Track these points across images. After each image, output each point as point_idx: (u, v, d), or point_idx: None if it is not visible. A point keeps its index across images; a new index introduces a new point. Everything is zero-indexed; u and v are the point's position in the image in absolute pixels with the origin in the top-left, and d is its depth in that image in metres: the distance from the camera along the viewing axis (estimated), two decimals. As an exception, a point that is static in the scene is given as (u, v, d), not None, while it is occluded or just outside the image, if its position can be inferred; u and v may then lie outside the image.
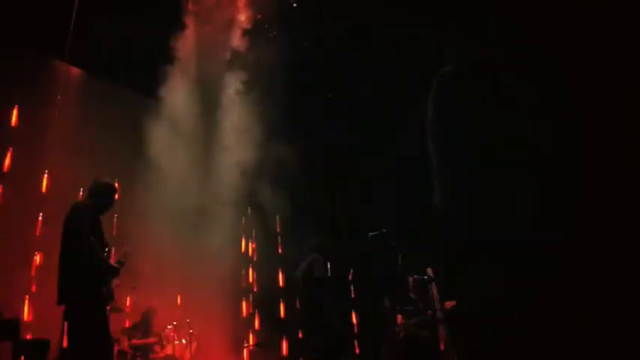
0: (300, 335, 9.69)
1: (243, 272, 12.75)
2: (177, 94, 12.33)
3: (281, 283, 12.23)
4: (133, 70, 11.84)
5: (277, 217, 13.11)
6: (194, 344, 10.69)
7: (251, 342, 12.12)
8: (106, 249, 7.00)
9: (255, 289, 12.74)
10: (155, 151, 11.72)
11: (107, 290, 6.90)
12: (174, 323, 10.78)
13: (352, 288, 10.88)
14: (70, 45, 10.16)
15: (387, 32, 10.72)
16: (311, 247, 9.55)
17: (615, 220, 2.99)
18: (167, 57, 12.11)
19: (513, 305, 2.98)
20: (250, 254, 12.92)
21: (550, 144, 3.19)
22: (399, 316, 10.01)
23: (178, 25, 12.16)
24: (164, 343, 10.70)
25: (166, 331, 10.77)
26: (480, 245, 3.07)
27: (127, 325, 10.57)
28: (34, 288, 9.66)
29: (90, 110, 11.58)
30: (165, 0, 11.67)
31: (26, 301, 9.56)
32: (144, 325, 10.67)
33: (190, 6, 12.32)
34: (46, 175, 9.93)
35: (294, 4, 11.56)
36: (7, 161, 9.36)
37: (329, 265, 10.92)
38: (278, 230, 13.14)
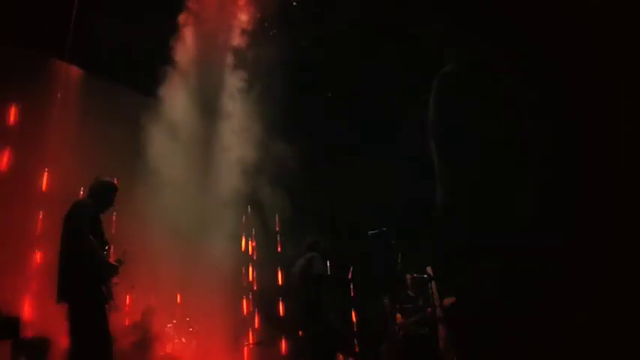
0: (300, 334, 9.70)
1: (243, 271, 12.77)
2: (177, 94, 12.34)
3: (280, 282, 12.24)
4: (132, 70, 11.85)
5: (277, 216, 13.13)
6: (194, 343, 10.70)
7: (251, 340, 12.13)
8: (106, 247, 7.01)
9: (255, 288, 12.75)
10: (155, 149, 11.72)
11: (106, 289, 6.91)
12: (174, 322, 10.79)
13: (352, 286, 10.88)
14: (70, 44, 10.18)
15: (387, 32, 10.73)
16: (307, 246, 9.56)
17: (615, 220, 2.99)
18: (167, 56, 12.13)
19: (513, 305, 2.98)
20: (250, 253, 12.93)
21: (550, 144, 3.19)
22: (398, 315, 10.02)
23: (178, 25, 12.17)
24: (164, 341, 10.70)
25: (166, 329, 10.77)
26: (479, 245, 3.07)
27: (126, 323, 10.57)
28: (34, 286, 9.68)
29: (90, 109, 11.58)
30: (165, -1, 11.70)
31: (26, 300, 9.58)
32: (143, 324, 10.67)
33: (190, 5, 12.32)
34: (46, 174, 9.95)
35: (294, 3, 11.57)
36: (5, 160, 9.37)
37: (328, 263, 10.95)
38: (277, 229, 13.16)
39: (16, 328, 8.10)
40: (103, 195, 7.25)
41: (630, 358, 2.84)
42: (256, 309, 12.64)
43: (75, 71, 12.07)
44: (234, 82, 12.91)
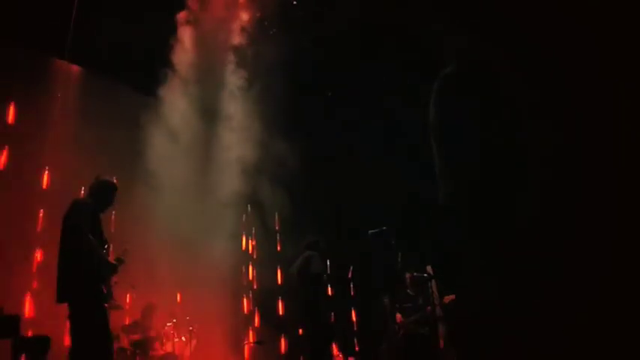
0: (300, 332, 9.70)
1: (243, 270, 12.77)
2: (177, 93, 12.33)
3: (279, 281, 12.25)
4: (132, 69, 11.85)
5: (276, 215, 13.13)
6: (194, 341, 10.69)
7: (251, 339, 12.14)
8: (105, 246, 7.02)
9: (254, 287, 12.76)
10: (155, 149, 11.72)
11: (106, 288, 6.92)
12: (174, 320, 10.78)
13: (352, 286, 10.89)
14: (70, 43, 10.18)
15: (387, 32, 10.72)
16: (306, 245, 9.57)
17: (615, 220, 3.00)
18: (167, 56, 12.12)
19: (513, 305, 2.98)
20: (250, 252, 12.94)
21: (550, 144, 3.19)
22: (398, 315, 10.02)
23: (178, 23, 12.17)
24: (164, 340, 10.70)
25: (166, 328, 10.76)
26: (480, 245, 3.07)
27: (126, 322, 10.57)
28: (34, 284, 9.68)
29: (90, 108, 11.57)
30: (166, -2, 11.71)
31: (27, 298, 9.59)
32: (143, 323, 10.67)
33: (190, 4, 12.32)
34: (46, 172, 9.95)
35: (294, 2, 11.56)
36: (4, 159, 9.37)
37: (327, 263, 10.96)
38: (277, 228, 13.17)
39: (16, 327, 8.09)
40: (103, 194, 7.26)
41: (630, 358, 2.85)
42: (256, 308, 12.64)
43: (75, 70, 12.06)
44: (234, 81, 12.90)
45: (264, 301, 12.53)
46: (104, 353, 6.67)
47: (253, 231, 13.08)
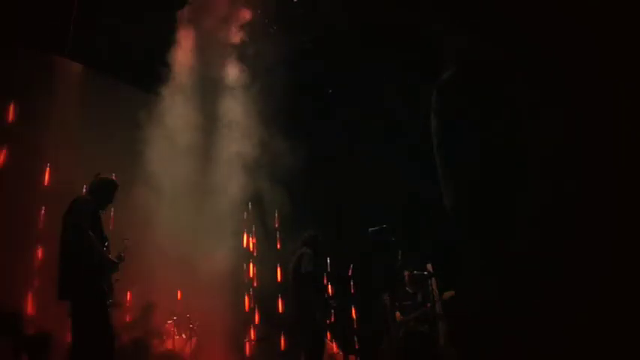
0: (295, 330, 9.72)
1: (244, 267, 12.78)
2: (178, 91, 12.33)
3: (279, 279, 12.25)
4: (133, 66, 11.87)
5: (276, 213, 13.13)
6: (194, 339, 10.71)
7: (252, 337, 12.15)
8: (105, 244, 7.03)
9: (254, 284, 12.76)
10: (155, 146, 11.73)
11: (107, 285, 6.93)
12: (175, 318, 10.80)
13: (352, 284, 10.90)
14: (70, 41, 10.18)
15: (388, 31, 10.72)
16: (303, 241, 9.56)
17: (615, 220, 3.00)
18: (167, 53, 12.12)
19: (513, 305, 2.98)
20: (251, 249, 12.94)
21: (550, 144, 3.19)
22: (397, 313, 10.04)
23: (179, 21, 12.16)
24: (164, 338, 10.72)
25: (166, 326, 10.78)
26: (480, 245, 3.08)
27: (127, 320, 10.59)
28: (36, 282, 9.69)
29: (91, 105, 11.59)
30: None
31: (29, 295, 9.60)
32: (143, 320, 10.69)
33: (191, 1, 12.30)
34: (47, 169, 9.95)
35: (295, 0, 11.55)
36: (4, 156, 9.38)
37: (328, 260, 10.95)
38: (276, 226, 13.17)
39: (17, 325, 8.12)
40: (103, 192, 7.30)
41: (630, 358, 2.85)
42: (256, 305, 12.64)
43: (76, 67, 12.06)
44: (234, 79, 12.90)
45: (264, 299, 12.53)
46: (105, 351, 6.70)
47: (253, 229, 13.08)
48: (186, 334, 10.79)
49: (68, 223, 6.86)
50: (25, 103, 9.91)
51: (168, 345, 10.62)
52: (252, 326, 12.40)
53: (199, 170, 12.53)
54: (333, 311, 11.04)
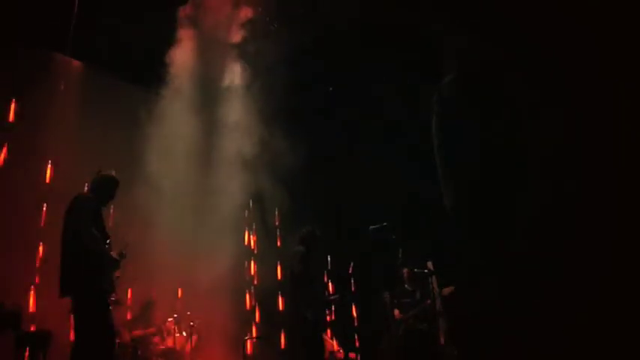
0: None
1: (245, 265, 12.78)
2: (178, 88, 12.33)
3: (279, 276, 12.25)
4: (133, 64, 11.86)
5: (276, 211, 13.14)
6: (194, 337, 10.72)
7: (253, 334, 12.16)
8: (107, 241, 7.03)
9: (255, 282, 12.77)
10: (156, 144, 11.72)
11: (108, 282, 6.94)
12: (175, 316, 10.81)
13: (352, 281, 10.90)
14: (71, 38, 10.19)
15: (387, 31, 10.71)
16: (300, 237, 9.54)
17: (615, 220, 3.00)
18: (168, 51, 12.12)
19: (513, 305, 2.99)
20: (252, 247, 12.95)
21: (550, 144, 3.19)
22: (396, 310, 10.06)
23: (179, 19, 12.15)
24: (165, 335, 10.72)
25: (167, 323, 10.79)
26: (480, 245, 3.08)
27: (127, 317, 10.60)
28: (38, 279, 9.71)
29: (91, 102, 11.61)
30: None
31: (32, 292, 9.61)
32: (144, 318, 10.70)
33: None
34: (49, 166, 9.96)
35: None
36: (5, 154, 9.38)
37: (329, 258, 10.94)
38: (277, 223, 13.17)
39: (17, 322, 8.13)
40: (105, 189, 7.30)
41: (630, 358, 2.86)
42: (257, 303, 12.65)
43: (76, 65, 12.07)
44: (234, 77, 12.90)
45: (264, 297, 12.53)
46: (106, 348, 6.70)
47: (254, 226, 13.08)
48: (186, 332, 10.79)
49: (70, 221, 6.86)
50: (25, 101, 9.91)
51: (169, 343, 10.62)
52: (253, 324, 12.40)
53: (200, 168, 12.52)
54: (333, 309, 11.06)
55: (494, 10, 3.39)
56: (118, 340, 9.05)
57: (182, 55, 12.35)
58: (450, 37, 3.50)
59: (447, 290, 9.59)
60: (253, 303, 12.66)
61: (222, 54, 12.75)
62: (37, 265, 9.79)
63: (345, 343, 11.52)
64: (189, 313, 10.83)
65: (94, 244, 6.65)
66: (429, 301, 9.83)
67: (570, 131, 3.17)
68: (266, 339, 11.85)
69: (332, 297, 10.84)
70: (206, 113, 12.72)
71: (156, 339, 10.58)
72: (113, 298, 7.48)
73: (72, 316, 6.69)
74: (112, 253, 6.99)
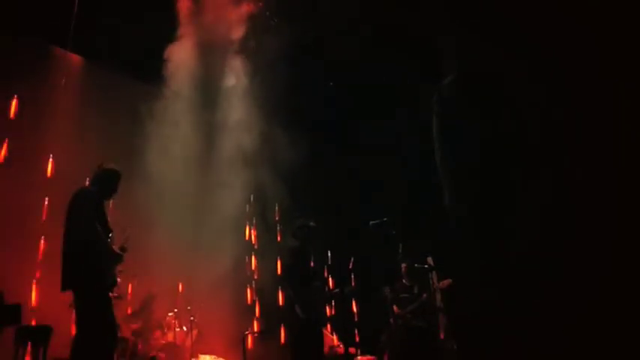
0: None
1: (246, 260, 12.79)
2: (179, 82, 12.31)
3: (279, 271, 12.26)
4: (134, 59, 11.86)
5: (276, 206, 13.14)
6: (195, 331, 10.72)
7: (253, 329, 12.17)
8: (109, 235, 7.03)
9: (255, 277, 12.78)
10: (157, 137, 11.73)
11: (111, 276, 6.95)
12: (176, 310, 10.82)
13: (353, 277, 10.89)
14: (72, 32, 10.18)
15: (388, 31, 10.70)
16: (293, 233, 9.52)
17: (615, 220, 3.01)
18: (169, 45, 12.10)
19: (513, 305, 3.00)
20: (253, 242, 12.95)
21: (550, 144, 3.20)
22: (395, 306, 10.07)
23: (180, 14, 12.13)
24: (165, 330, 10.73)
25: (167, 318, 10.80)
26: (480, 245, 3.10)
27: (128, 312, 10.60)
28: (39, 273, 9.72)
29: (92, 97, 11.64)
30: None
31: (33, 287, 9.63)
32: (144, 312, 10.70)
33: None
34: (50, 160, 9.95)
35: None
36: (6, 148, 9.38)
37: (329, 253, 10.91)
38: (277, 218, 13.17)
39: (18, 316, 8.13)
40: (107, 182, 7.28)
41: (630, 358, 2.86)
42: (257, 298, 12.66)
43: (76, 59, 12.08)
44: (235, 73, 12.90)
45: (264, 292, 12.53)
46: (107, 342, 6.71)
47: (254, 221, 13.09)
48: (187, 327, 10.80)
49: (72, 215, 6.87)
50: (26, 96, 9.90)
51: (169, 337, 10.63)
52: (253, 319, 12.41)
53: (200, 164, 12.53)
54: (333, 304, 11.06)
55: (495, 11, 3.39)
56: (118, 335, 9.09)
57: (182, 52, 12.33)
58: (450, 37, 3.51)
59: (445, 283, 9.59)
60: (254, 298, 12.66)
61: (222, 50, 12.73)
62: (39, 259, 9.81)
63: (345, 338, 11.53)
64: (189, 307, 10.84)
65: (96, 238, 6.66)
66: (425, 295, 9.87)
67: (570, 131, 3.18)
68: (266, 334, 11.86)
69: (333, 292, 10.83)
70: (207, 109, 12.73)
71: (156, 333, 10.59)
72: (116, 295, 7.50)
73: (73, 310, 6.71)
74: (113, 247, 7.00)
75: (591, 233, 3.03)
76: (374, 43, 11.21)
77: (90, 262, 6.63)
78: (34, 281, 9.70)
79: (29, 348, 8.39)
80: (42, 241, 9.88)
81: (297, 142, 12.07)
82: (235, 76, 12.90)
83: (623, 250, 2.95)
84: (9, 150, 9.37)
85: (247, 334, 11.60)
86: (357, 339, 12.29)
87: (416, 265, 9.56)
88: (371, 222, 8.92)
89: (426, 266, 9.09)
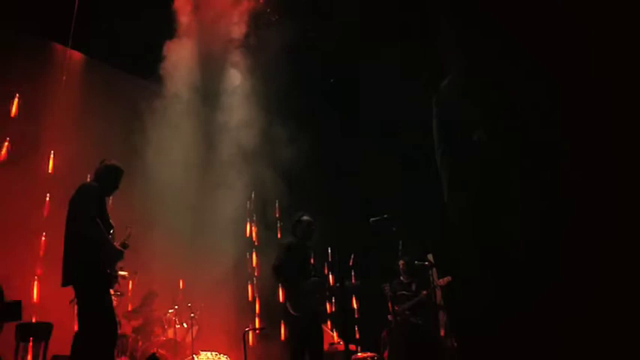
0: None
1: (247, 256, 12.80)
2: (179, 79, 12.32)
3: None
4: (134, 56, 11.88)
5: (276, 203, 13.14)
6: (195, 328, 10.73)
7: (255, 326, 12.18)
8: (111, 231, 7.04)
9: (256, 274, 12.79)
10: (157, 133, 11.74)
11: (112, 273, 6.96)
12: (176, 307, 10.82)
13: (353, 273, 10.90)
14: (73, 30, 10.18)
15: (388, 31, 10.69)
16: (291, 230, 9.47)
17: (615, 220, 3.01)
18: (168, 42, 12.11)
19: (512, 305, 3.01)
20: (254, 239, 12.96)
21: (550, 145, 3.21)
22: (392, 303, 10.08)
23: (180, 10, 12.14)
24: (165, 326, 10.74)
25: (168, 315, 10.81)
26: (480, 246, 3.10)
27: (128, 308, 10.62)
28: (40, 270, 9.74)
29: (92, 93, 11.65)
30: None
31: (35, 283, 9.64)
32: (145, 309, 10.71)
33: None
34: (52, 156, 9.96)
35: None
36: (7, 145, 9.40)
37: (329, 250, 10.90)
38: (277, 215, 13.17)
39: (18, 312, 8.14)
40: (109, 178, 7.30)
41: (629, 358, 2.87)
42: (258, 295, 12.68)
43: (77, 56, 12.09)
44: (235, 68, 12.91)
45: (264, 289, 12.54)
46: (107, 339, 6.72)
47: (254, 217, 13.10)
48: (187, 323, 10.80)
49: (74, 211, 6.88)
50: (27, 93, 9.93)
51: (170, 334, 10.63)
52: (254, 316, 12.43)
53: (201, 161, 12.55)
54: (333, 300, 11.07)
55: (493, 10, 3.40)
56: (119, 331, 9.10)
57: (183, 46, 12.34)
58: (449, 37, 3.51)
59: (444, 280, 9.61)
60: (255, 294, 12.68)
61: (223, 44, 12.74)
62: (40, 255, 9.82)
63: (346, 335, 11.54)
64: (190, 304, 10.84)
65: (97, 234, 6.67)
66: (424, 292, 9.88)
67: (570, 131, 3.18)
68: (266, 330, 11.86)
69: (333, 287, 10.83)
70: (207, 105, 12.74)
71: (157, 330, 10.59)
72: (118, 292, 7.52)
73: (74, 306, 6.73)
74: (115, 243, 7.01)
75: (590, 233, 3.03)
76: (373, 43, 11.21)
77: (91, 258, 6.65)
78: (35, 278, 9.72)
79: (30, 344, 8.42)
80: (43, 238, 9.89)
81: (298, 137, 12.07)
82: (235, 74, 12.90)
83: (622, 251, 2.96)
84: (10, 147, 9.39)
85: (248, 331, 11.60)
86: (358, 336, 12.29)
87: (416, 262, 9.59)
88: (371, 219, 8.93)
89: (426, 263, 9.12)
